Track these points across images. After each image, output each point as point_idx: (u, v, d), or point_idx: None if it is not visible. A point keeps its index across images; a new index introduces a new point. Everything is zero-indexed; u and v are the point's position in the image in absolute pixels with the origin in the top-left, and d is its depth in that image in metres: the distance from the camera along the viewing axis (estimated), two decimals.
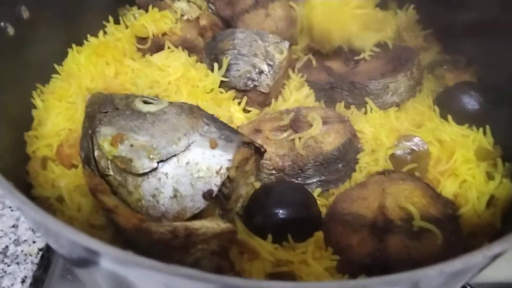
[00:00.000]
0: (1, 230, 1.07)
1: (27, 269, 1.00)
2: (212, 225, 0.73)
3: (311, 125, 1.02)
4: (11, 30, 0.93)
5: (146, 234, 0.70)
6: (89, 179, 0.78)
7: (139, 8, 1.35)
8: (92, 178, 0.78)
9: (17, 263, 1.01)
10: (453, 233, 0.82)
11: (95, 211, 0.84)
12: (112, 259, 0.52)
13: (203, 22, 1.27)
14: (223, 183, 0.80)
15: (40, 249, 1.04)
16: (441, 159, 0.98)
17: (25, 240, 1.05)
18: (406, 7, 1.40)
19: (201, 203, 0.77)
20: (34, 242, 1.05)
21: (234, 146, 0.81)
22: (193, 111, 0.87)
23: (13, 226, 1.08)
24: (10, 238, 1.05)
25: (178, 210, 0.76)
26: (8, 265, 1.01)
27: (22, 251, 1.04)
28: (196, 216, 0.77)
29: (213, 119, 0.87)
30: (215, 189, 0.78)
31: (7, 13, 0.93)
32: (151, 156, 0.79)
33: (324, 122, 1.02)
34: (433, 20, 1.33)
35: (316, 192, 0.95)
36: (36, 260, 1.02)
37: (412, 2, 1.39)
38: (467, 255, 0.49)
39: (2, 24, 0.91)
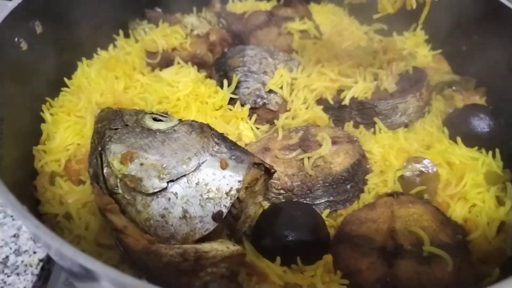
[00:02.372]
0: (2, 240, 1.05)
1: (27, 280, 0.98)
2: (222, 248, 0.72)
3: (320, 145, 1.01)
4: (24, 45, 0.94)
5: (155, 257, 0.69)
6: (98, 198, 0.78)
7: (149, 22, 1.36)
8: (101, 197, 0.78)
9: (17, 274, 1.00)
10: (463, 259, 0.81)
11: (103, 230, 0.83)
12: (111, 281, 0.51)
13: (212, 37, 1.28)
14: (232, 204, 0.79)
15: (40, 260, 1.03)
16: (451, 182, 0.98)
17: (26, 251, 1.04)
18: (414, 28, 1.40)
19: (210, 225, 0.76)
20: (34, 252, 1.04)
21: (245, 167, 0.81)
22: (203, 130, 0.87)
23: (14, 236, 1.06)
24: (10, 248, 1.04)
25: (187, 231, 0.76)
26: (8, 276, 0.99)
27: (22, 261, 1.02)
28: (204, 237, 0.77)
29: (224, 139, 0.87)
30: (225, 210, 0.77)
31: (22, 28, 0.94)
32: (161, 176, 0.78)
33: (333, 142, 1.02)
34: (442, 40, 1.33)
35: (324, 213, 0.95)
36: (36, 271, 1.00)
37: (420, 23, 1.39)
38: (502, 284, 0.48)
39: (16, 39, 0.91)
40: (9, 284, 0.98)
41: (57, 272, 1.05)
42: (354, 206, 0.98)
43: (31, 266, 1.01)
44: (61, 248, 0.49)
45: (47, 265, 1.04)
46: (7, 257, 1.02)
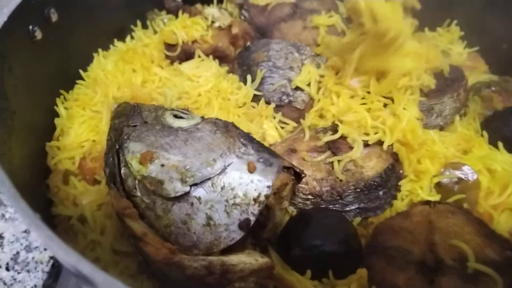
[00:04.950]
0: (13, 235, 1.02)
1: (38, 278, 0.95)
2: (250, 260, 0.66)
3: (350, 147, 0.94)
4: (39, 34, 0.88)
5: (177, 268, 0.63)
6: (115, 201, 0.72)
7: (168, 13, 1.30)
8: (119, 200, 0.71)
9: (28, 271, 0.96)
10: None
11: (120, 236, 0.77)
12: None
13: (235, 30, 1.21)
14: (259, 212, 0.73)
15: (51, 257, 0.99)
16: (493, 191, 0.90)
17: (37, 247, 1.00)
18: (448, 23, 1.32)
19: (236, 234, 0.70)
20: (45, 249, 1.00)
21: (274, 171, 0.74)
22: (229, 130, 0.81)
23: (25, 231, 1.03)
24: (21, 244, 1.00)
25: (211, 240, 0.69)
26: (19, 273, 0.96)
27: (33, 258, 0.98)
28: (228, 247, 0.70)
29: (250, 139, 0.81)
30: (253, 218, 0.71)
31: (36, 16, 0.88)
32: (184, 178, 0.72)
33: (365, 145, 0.95)
34: (479, 37, 1.25)
35: (355, 221, 0.88)
36: (47, 269, 0.97)
37: (455, 18, 1.31)
38: None
39: (31, 27, 0.85)
40: (19, 281, 0.94)
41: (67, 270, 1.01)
42: (386, 214, 0.91)
43: (42, 263, 0.98)
44: (77, 264, 0.43)
45: (57, 262, 1.00)
46: (17, 253, 0.99)
